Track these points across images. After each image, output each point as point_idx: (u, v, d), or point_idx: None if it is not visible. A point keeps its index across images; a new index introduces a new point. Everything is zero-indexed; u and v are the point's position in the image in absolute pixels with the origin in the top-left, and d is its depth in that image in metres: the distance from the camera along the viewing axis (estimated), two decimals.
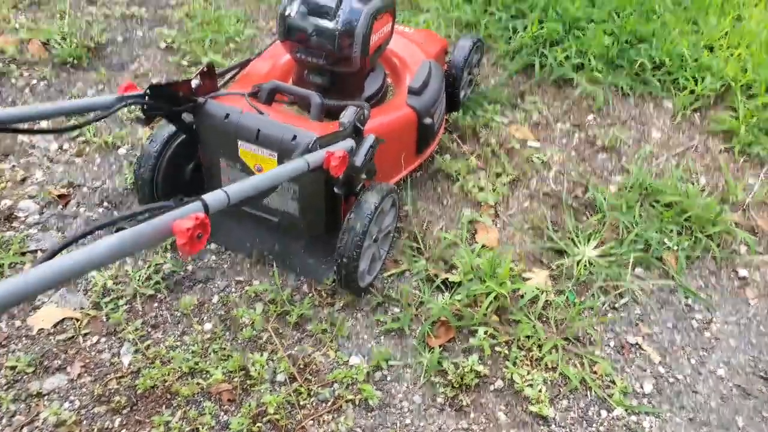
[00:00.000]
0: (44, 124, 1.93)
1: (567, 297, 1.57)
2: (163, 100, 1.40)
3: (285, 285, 1.60)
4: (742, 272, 1.65)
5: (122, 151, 1.96)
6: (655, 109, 2.07)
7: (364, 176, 1.42)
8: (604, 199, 1.77)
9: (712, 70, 2.04)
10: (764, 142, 1.90)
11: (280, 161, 1.42)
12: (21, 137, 1.97)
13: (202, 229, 0.88)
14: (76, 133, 2.02)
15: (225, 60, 2.21)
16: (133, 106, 1.35)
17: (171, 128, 1.60)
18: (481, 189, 1.84)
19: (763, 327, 1.56)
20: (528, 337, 1.46)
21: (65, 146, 1.99)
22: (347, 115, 1.42)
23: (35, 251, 1.70)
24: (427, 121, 1.70)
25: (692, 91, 2.06)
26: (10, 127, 1.10)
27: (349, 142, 1.39)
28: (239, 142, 1.46)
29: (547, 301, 1.55)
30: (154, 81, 1.42)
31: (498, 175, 1.89)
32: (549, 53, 2.12)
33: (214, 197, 0.95)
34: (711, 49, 2.15)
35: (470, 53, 1.92)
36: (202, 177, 1.67)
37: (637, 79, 2.12)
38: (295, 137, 1.40)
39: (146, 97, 1.36)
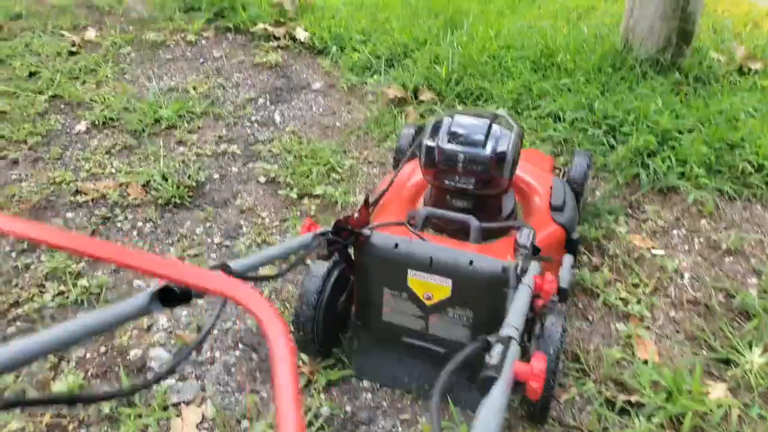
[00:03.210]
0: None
1: (753, 413, 1.50)
2: (340, 235, 1.42)
3: (454, 421, 1.52)
4: None
5: None
6: (764, 211, 2.14)
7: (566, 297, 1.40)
8: (754, 302, 1.76)
9: None
10: None
11: (455, 287, 1.41)
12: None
13: None
14: None
15: (334, 190, 2.26)
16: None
17: (327, 264, 1.60)
18: (624, 301, 1.83)
19: None
20: None
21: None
22: (523, 237, 1.43)
23: (178, 404, 1.60)
24: (575, 235, 1.72)
25: None
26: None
27: (536, 264, 1.38)
28: (409, 271, 1.45)
29: (740, 416, 1.48)
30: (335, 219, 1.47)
31: (636, 285, 1.88)
32: (651, 162, 2.20)
33: None
34: None
35: (588, 168, 2.00)
36: (348, 308, 1.65)
37: (738, 183, 2.20)
38: (471, 262, 1.39)
39: (330, 234, 1.38)
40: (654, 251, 2.02)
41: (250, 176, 2.43)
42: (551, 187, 1.80)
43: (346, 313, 1.67)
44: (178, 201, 2.28)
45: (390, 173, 1.98)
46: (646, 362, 1.63)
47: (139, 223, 2.20)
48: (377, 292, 1.53)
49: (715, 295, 1.85)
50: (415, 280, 1.45)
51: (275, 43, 3.34)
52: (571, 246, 1.74)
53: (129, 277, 1.96)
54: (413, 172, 1.92)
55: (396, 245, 1.45)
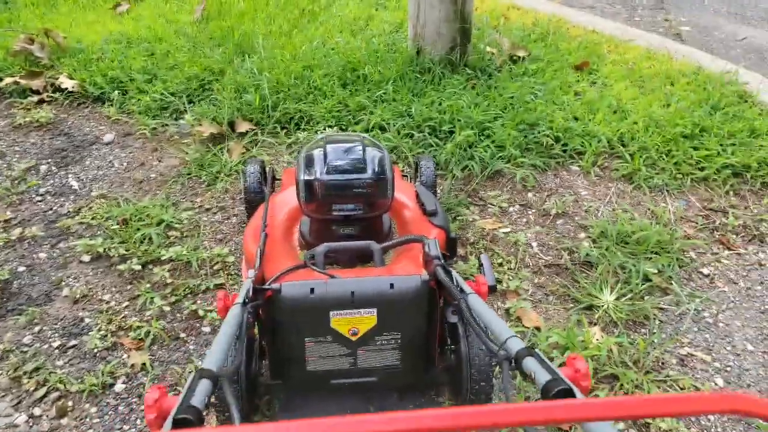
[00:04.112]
0: None
1: (623, 341, 1.91)
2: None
3: None
4: (706, 271, 2.22)
5: (119, 387, 1.75)
6: (569, 175, 2.66)
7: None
8: (592, 253, 2.21)
9: (593, 133, 2.73)
10: (659, 174, 2.60)
11: (380, 315, 1.51)
12: None
13: None
14: (42, 392, 1.74)
15: (182, 248, 2.14)
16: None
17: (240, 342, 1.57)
18: (497, 281, 2.12)
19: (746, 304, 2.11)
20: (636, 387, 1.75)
21: (36, 411, 1.70)
22: (432, 249, 1.59)
23: None
24: (453, 234, 1.95)
25: (584, 153, 2.72)
26: None
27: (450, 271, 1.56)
28: (331, 313, 1.50)
29: (618, 350, 1.87)
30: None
31: (501, 264, 2.20)
32: (476, 153, 2.57)
33: None
34: (576, 119, 2.86)
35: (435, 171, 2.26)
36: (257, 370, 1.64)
37: (545, 155, 2.69)
38: (392, 285, 1.51)
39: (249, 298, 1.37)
40: (503, 230, 2.37)
41: (69, 258, 2.17)
42: (417, 195, 2.00)
43: (255, 376, 1.64)
44: None
45: (254, 216, 1.97)
46: (538, 329, 1.94)
47: None
48: (298, 344, 1.52)
49: (562, 255, 2.26)
50: (339, 319, 1.48)
51: (36, 98, 2.97)
52: (451, 244, 1.96)
53: None
54: (276, 211, 1.95)
55: (312, 290, 1.47)
